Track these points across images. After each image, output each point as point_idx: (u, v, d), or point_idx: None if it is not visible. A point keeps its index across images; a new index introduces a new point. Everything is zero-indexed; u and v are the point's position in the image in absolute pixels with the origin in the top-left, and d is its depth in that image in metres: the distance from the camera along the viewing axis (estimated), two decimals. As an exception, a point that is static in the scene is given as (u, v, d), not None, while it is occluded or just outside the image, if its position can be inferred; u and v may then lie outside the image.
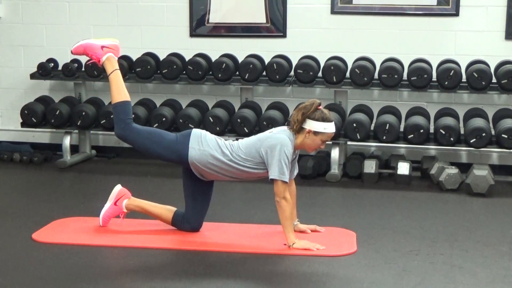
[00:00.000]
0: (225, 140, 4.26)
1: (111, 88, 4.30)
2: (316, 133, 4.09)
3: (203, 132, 4.24)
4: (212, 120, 5.94)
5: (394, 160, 6.03)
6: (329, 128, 4.11)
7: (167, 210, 4.35)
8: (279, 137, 4.07)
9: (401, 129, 5.94)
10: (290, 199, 4.07)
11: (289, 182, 4.15)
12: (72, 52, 4.43)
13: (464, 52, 6.20)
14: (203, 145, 4.14)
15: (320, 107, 4.12)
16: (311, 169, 5.88)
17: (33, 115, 6.31)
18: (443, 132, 5.66)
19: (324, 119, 4.09)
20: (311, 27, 6.48)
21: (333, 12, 6.41)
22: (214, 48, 6.55)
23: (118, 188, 4.40)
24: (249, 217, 4.80)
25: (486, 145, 5.65)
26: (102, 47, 4.33)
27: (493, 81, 5.85)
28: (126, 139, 4.26)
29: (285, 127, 4.18)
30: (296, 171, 4.28)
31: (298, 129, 4.10)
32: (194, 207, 4.29)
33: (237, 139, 4.32)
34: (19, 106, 6.52)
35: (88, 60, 4.36)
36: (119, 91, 4.27)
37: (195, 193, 4.27)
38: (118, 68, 4.33)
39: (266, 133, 4.20)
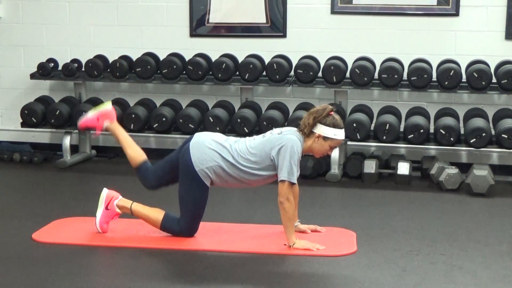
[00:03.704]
0: (227, 140, 4.20)
1: (144, 220, 4.28)
2: (325, 138, 4.08)
3: (200, 144, 4.13)
4: (212, 120, 5.94)
5: (394, 160, 6.04)
6: (339, 134, 4.10)
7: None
8: (289, 138, 4.04)
9: (401, 129, 5.94)
10: (293, 200, 4.06)
11: None
12: (104, 232, 4.32)
13: (464, 52, 6.20)
14: (206, 161, 4.07)
15: (332, 112, 4.10)
16: (311, 169, 5.88)
17: (33, 115, 6.31)
18: (443, 132, 5.66)
19: (335, 125, 4.08)
20: (311, 27, 6.48)
21: (333, 12, 6.42)
22: (214, 48, 6.55)
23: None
24: (249, 217, 4.80)
25: (486, 145, 5.65)
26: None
27: (493, 81, 5.85)
28: (194, 230, 4.23)
29: (294, 129, 4.15)
30: (298, 173, 4.27)
31: (308, 133, 4.08)
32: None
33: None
34: (19, 106, 6.52)
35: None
36: (150, 217, 4.24)
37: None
38: (130, 202, 4.30)
39: (275, 134, 4.13)
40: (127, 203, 4.30)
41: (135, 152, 4.41)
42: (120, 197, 4.33)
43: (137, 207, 4.29)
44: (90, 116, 4.48)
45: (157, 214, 4.26)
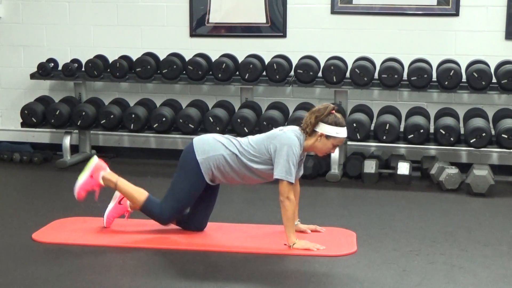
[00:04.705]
0: (229, 136, 4.26)
1: (125, 197, 4.31)
2: (328, 137, 4.09)
3: (204, 137, 4.22)
4: (212, 120, 5.94)
5: (394, 160, 6.04)
6: (341, 133, 4.11)
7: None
8: (288, 137, 4.07)
9: (401, 129, 5.94)
10: (294, 199, 4.07)
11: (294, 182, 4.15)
12: (78, 199, 4.35)
13: (464, 52, 6.20)
14: (209, 151, 4.12)
15: (334, 111, 4.12)
16: (311, 169, 5.88)
17: (33, 115, 6.31)
18: (443, 132, 5.66)
19: (337, 124, 4.09)
20: (311, 27, 6.48)
21: (333, 12, 6.42)
22: (214, 48, 6.55)
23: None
24: (249, 217, 4.80)
25: (486, 145, 5.65)
26: (91, 176, 4.32)
27: (493, 81, 5.85)
28: (173, 219, 4.27)
29: (296, 127, 4.17)
30: (301, 172, 4.27)
31: (310, 132, 4.10)
32: (200, 207, 4.31)
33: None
34: (19, 106, 6.52)
35: (95, 196, 4.40)
36: (134, 195, 4.28)
37: (201, 194, 4.26)
38: (117, 177, 4.33)
39: (276, 130, 4.18)
40: (113, 177, 4.33)
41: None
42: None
43: (122, 183, 4.31)
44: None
45: (140, 194, 4.28)
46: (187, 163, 4.17)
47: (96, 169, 4.34)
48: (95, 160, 4.38)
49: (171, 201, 4.21)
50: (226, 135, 4.27)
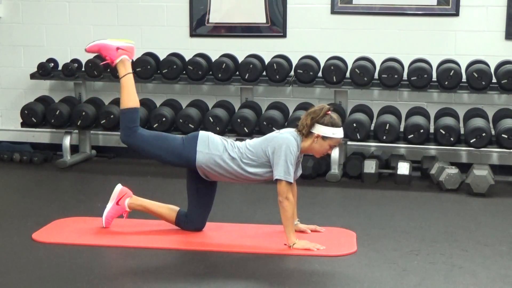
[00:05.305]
0: (229, 139, 4.27)
1: (121, 91, 4.25)
2: (324, 138, 4.10)
3: (210, 134, 4.23)
4: (212, 120, 5.94)
5: (394, 160, 6.04)
6: (338, 133, 4.12)
7: (170, 210, 4.35)
8: (285, 137, 4.08)
9: (401, 129, 5.94)
10: (292, 199, 4.08)
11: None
12: (86, 50, 4.33)
13: (464, 52, 6.20)
14: (211, 148, 4.13)
15: (329, 112, 4.12)
16: (311, 169, 5.88)
17: (33, 115, 6.31)
18: (443, 132, 5.66)
19: (333, 124, 4.10)
20: (311, 27, 6.48)
21: (333, 12, 6.42)
22: (214, 48, 6.55)
23: (118, 187, 4.41)
24: (249, 217, 4.80)
25: (486, 145, 5.65)
26: (117, 48, 4.22)
27: (493, 81, 5.85)
28: (131, 146, 4.27)
29: (293, 129, 4.19)
30: (299, 172, 4.28)
31: (306, 133, 4.11)
32: (197, 207, 4.30)
33: (237, 139, 4.31)
34: (19, 106, 6.52)
35: (103, 61, 4.29)
36: (130, 96, 4.24)
37: (199, 193, 4.27)
38: (131, 72, 4.27)
39: (274, 133, 4.21)
40: (129, 69, 4.24)
41: (165, 210, 4.35)
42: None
43: (130, 80, 4.24)
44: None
45: (134, 102, 4.26)
46: (186, 145, 4.17)
47: (127, 49, 4.24)
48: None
49: (151, 138, 4.23)
50: (226, 138, 4.28)
